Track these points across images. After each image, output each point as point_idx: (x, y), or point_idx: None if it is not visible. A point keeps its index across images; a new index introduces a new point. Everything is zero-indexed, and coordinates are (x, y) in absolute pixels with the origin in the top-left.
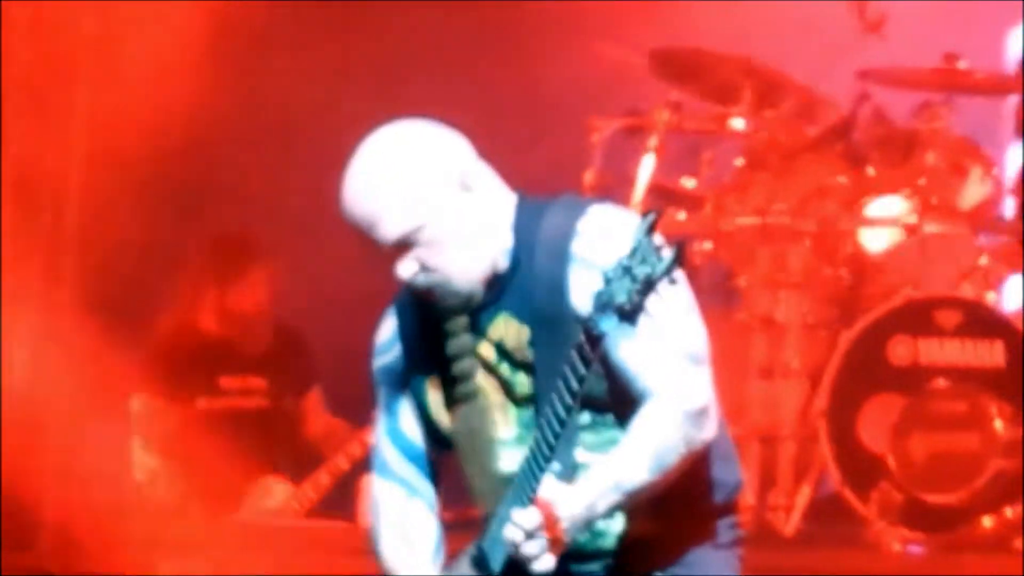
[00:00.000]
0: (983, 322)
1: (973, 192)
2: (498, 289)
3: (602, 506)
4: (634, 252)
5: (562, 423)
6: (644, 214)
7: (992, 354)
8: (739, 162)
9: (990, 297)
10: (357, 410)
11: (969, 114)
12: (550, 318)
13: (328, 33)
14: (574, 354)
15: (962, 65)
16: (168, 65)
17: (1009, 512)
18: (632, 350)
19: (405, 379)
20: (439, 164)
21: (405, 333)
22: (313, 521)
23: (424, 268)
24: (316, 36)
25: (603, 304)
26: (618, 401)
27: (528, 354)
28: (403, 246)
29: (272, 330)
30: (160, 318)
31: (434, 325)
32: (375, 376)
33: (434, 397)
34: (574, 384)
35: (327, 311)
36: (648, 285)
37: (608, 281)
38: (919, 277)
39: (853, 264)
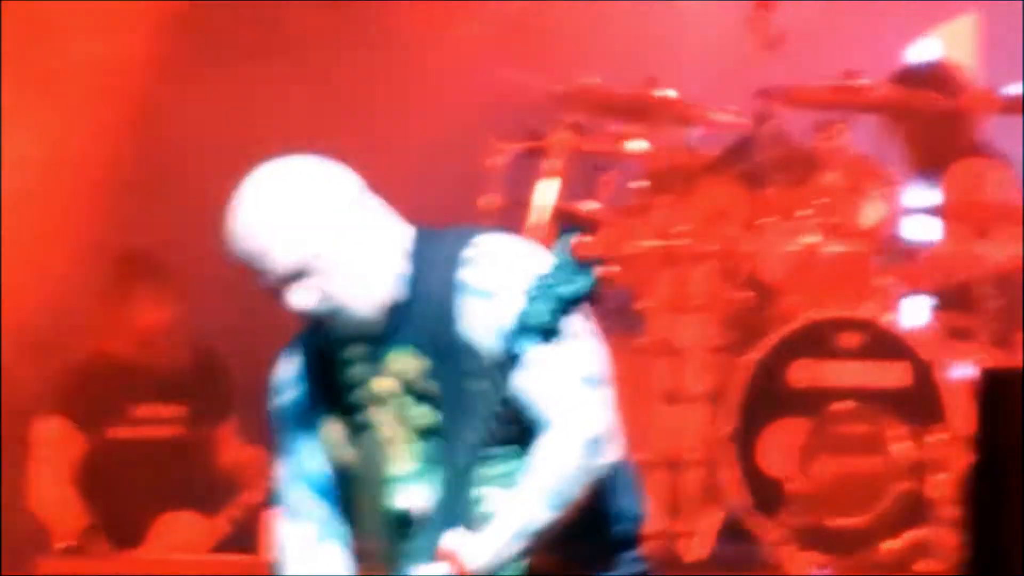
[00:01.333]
0: (884, 343)
1: (873, 211)
2: (396, 321)
3: (509, 551)
4: (555, 271)
5: (479, 452)
6: (563, 232)
7: (893, 375)
8: (640, 184)
9: (890, 318)
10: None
11: (869, 132)
12: (445, 348)
13: (226, 66)
14: (493, 377)
15: (862, 82)
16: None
17: (911, 534)
18: (528, 377)
19: (306, 417)
20: (326, 194)
21: (304, 371)
22: (216, 556)
23: (321, 296)
24: (216, 68)
25: (526, 325)
26: (522, 430)
27: (429, 386)
28: (296, 277)
29: (189, 353)
30: (75, 342)
31: (332, 358)
32: (274, 416)
33: (335, 434)
34: (497, 408)
35: (246, 336)
36: (573, 303)
37: (530, 301)
38: (820, 298)
39: (755, 286)
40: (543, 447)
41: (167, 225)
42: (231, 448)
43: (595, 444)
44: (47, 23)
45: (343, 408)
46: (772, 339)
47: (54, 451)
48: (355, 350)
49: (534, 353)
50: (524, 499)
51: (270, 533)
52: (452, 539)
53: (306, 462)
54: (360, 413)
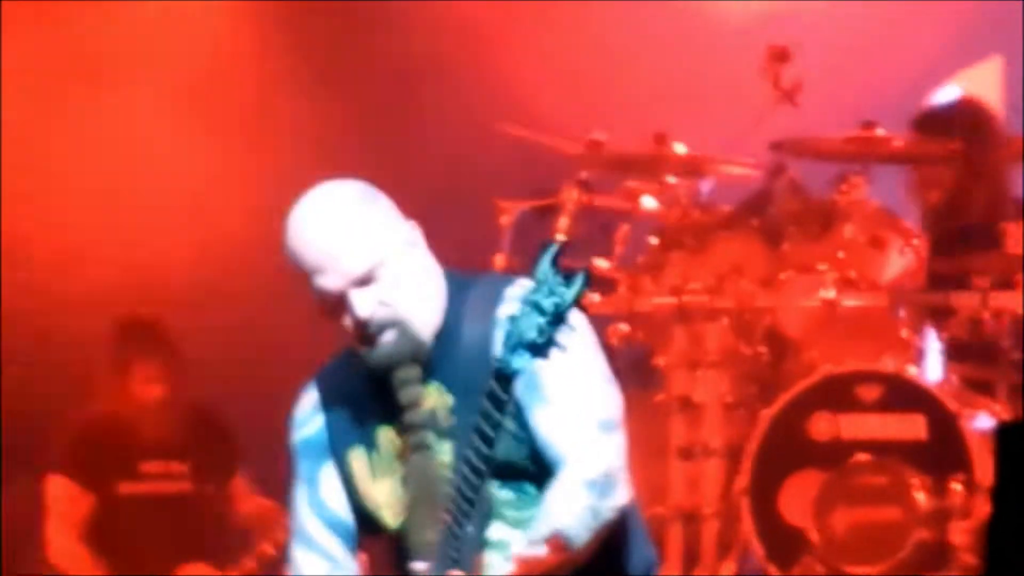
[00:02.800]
0: (903, 395)
1: (893, 264)
2: (428, 358)
3: None
4: (540, 286)
5: (480, 475)
6: (544, 245)
7: (913, 427)
8: (653, 241)
9: (911, 370)
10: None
11: (888, 183)
12: (474, 385)
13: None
14: (486, 400)
15: (879, 133)
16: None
17: None
18: (545, 415)
19: (327, 451)
20: (391, 212)
21: (329, 404)
22: None
23: (383, 304)
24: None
25: (513, 344)
26: (540, 469)
27: (451, 421)
28: (364, 281)
29: (188, 414)
30: (79, 403)
31: (374, 382)
32: (295, 449)
33: (360, 469)
34: (489, 431)
35: (249, 392)
36: (558, 316)
37: (515, 319)
38: (839, 352)
39: (772, 341)
40: (553, 490)
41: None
42: (245, 501)
43: (602, 485)
44: None
45: (374, 444)
46: (790, 393)
47: (64, 508)
48: (412, 370)
49: (549, 392)
50: (536, 543)
51: None
52: None
53: (324, 494)
54: (414, 434)
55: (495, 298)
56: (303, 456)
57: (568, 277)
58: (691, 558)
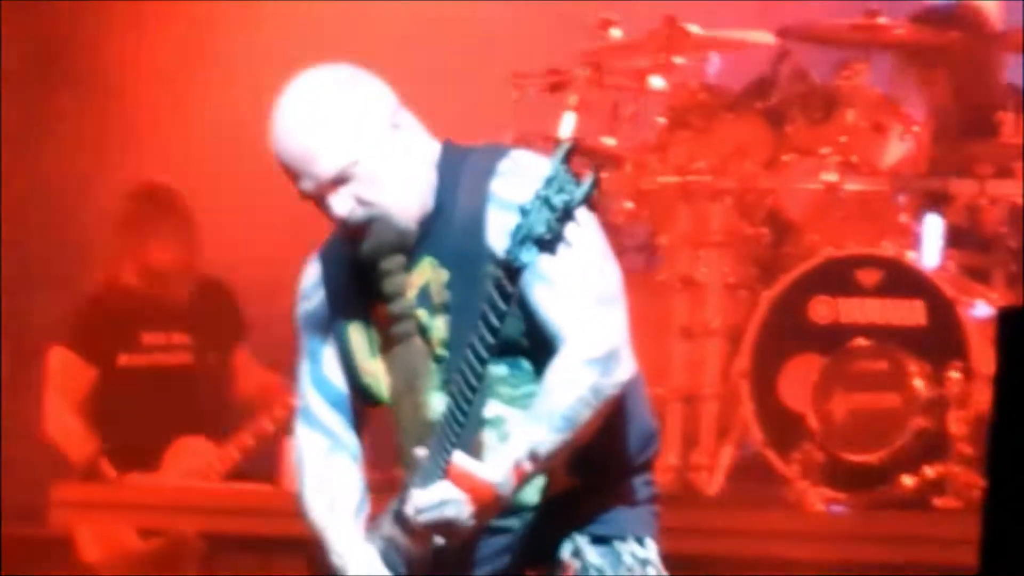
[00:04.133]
0: (902, 280)
1: (894, 150)
2: (422, 232)
3: (522, 476)
4: (550, 181)
5: (483, 362)
6: (558, 144)
7: (912, 313)
8: (660, 121)
9: (910, 256)
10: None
11: (890, 71)
12: (468, 259)
13: None
14: (493, 290)
15: (882, 21)
16: None
17: (929, 471)
18: (543, 293)
19: (329, 325)
20: (371, 101)
21: (330, 278)
22: (233, 483)
23: (361, 203)
24: None
25: (522, 237)
26: (535, 345)
27: (446, 297)
28: (338, 182)
29: (196, 283)
30: (84, 272)
31: (363, 268)
32: (298, 322)
33: (358, 344)
34: (495, 321)
35: (258, 266)
36: (567, 213)
37: (525, 213)
38: (839, 236)
39: (774, 223)
40: (554, 369)
41: (178, 156)
42: (249, 375)
43: (604, 363)
44: None
45: (375, 318)
46: (791, 275)
47: (64, 380)
48: (394, 260)
49: (547, 269)
50: (534, 424)
51: (288, 463)
52: (464, 461)
53: (326, 370)
54: (402, 320)
55: (488, 172)
56: (306, 329)
57: (579, 176)
58: (690, 440)
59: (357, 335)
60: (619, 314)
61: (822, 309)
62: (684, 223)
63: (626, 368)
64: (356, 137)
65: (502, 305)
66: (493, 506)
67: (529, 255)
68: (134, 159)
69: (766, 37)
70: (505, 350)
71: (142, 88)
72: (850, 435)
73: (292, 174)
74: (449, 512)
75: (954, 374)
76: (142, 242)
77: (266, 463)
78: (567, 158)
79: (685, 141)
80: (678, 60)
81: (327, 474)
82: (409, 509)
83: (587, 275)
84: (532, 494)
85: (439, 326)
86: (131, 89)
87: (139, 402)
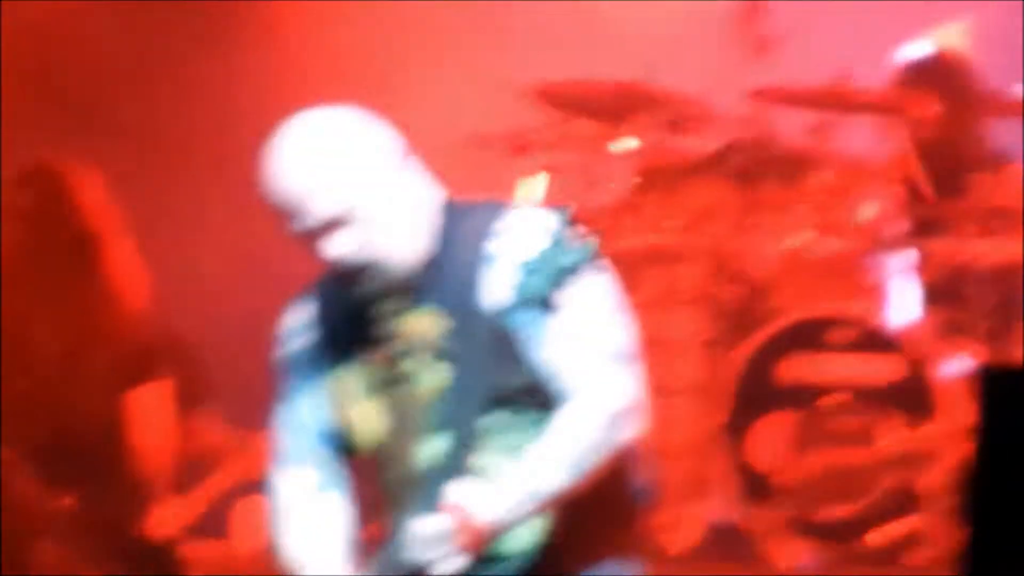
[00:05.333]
0: (874, 338)
1: (866, 210)
2: (423, 280)
3: (518, 511)
4: (553, 243)
5: (477, 419)
6: (560, 207)
7: (884, 370)
8: (629, 182)
9: (882, 314)
10: (250, 422)
11: (862, 132)
12: (467, 313)
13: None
14: (493, 349)
15: (854, 84)
16: None
17: (900, 526)
18: (554, 349)
19: (314, 367)
20: (373, 145)
21: (323, 319)
22: (188, 540)
23: (357, 246)
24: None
25: (524, 297)
26: (539, 398)
27: (445, 347)
28: (335, 224)
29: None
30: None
31: (356, 311)
32: (284, 361)
33: (347, 387)
34: (492, 379)
35: (218, 323)
36: (569, 274)
37: (528, 273)
38: (810, 296)
39: (745, 283)
40: (566, 414)
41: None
42: (208, 431)
43: (618, 419)
44: None
45: (366, 361)
46: (762, 334)
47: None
48: (388, 304)
49: (560, 326)
50: (540, 461)
51: (242, 521)
52: (458, 491)
53: (311, 410)
54: (394, 364)
55: (487, 229)
56: (293, 368)
57: (581, 238)
58: (660, 497)
59: (347, 377)
60: (634, 371)
61: (793, 368)
62: (655, 283)
63: (637, 424)
64: (360, 178)
65: (501, 362)
66: (485, 539)
67: (528, 314)
68: None
69: (736, 100)
70: (507, 401)
71: None
72: (821, 491)
73: (287, 212)
74: (442, 545)
75: (926, 430)
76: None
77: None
78: (568, 220)
79: (654, 202)
80: (647, 121)
81: (314, 512)
82: (404, 541)
83: (601, 332)
84: (518, 543)
85: (442, 372)
86: None
87: None
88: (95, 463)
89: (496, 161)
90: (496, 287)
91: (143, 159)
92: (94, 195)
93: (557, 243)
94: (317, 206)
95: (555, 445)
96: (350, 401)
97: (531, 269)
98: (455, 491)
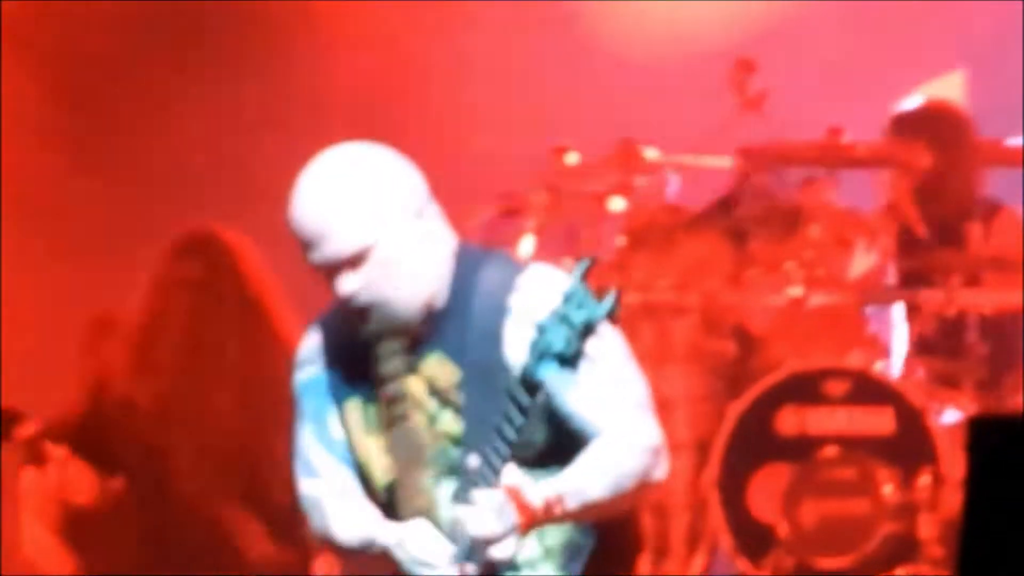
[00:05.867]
0: (870, 390)
1: (859, 263)
2: (433, 327)
3: (562, 510)
4: (569, 298)
5: (496, 473)
6: (578, 261)
7: (881, 421)
8: (620, 241)
9: (878, 365)
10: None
11: (855, 184)
12: (483, 366)
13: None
14: (510, 404)
15: (845, 139)
16: None
17: (899, 573)
18: (580, 397)
19: (331, 392)
20: (398, 185)
21: (329, 349)
22: None
23: (369, 286)
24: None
25: (541, 352)
26: (560, 451)
27: (456, 396)
28: (352, 262)
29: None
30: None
31: (363, 347)
32: (299, 388)
33: (355, 419)
34: (510, 434)
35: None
36: (587, 329)
37: (544, 329)
38: (805, 349)
39: (738, 338)
40: (605, 440)
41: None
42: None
43: (654, 454)
44: None
45: (371, 397)
46: (758, 388)
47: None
48: (393, 345)
49: (581, 378)
50: (585, 469)
51: None
52: (513, 475)
53: (331, 430)
54: (395, 403)
55: (507, 285)
56: (309, 394)
57: (597, 294)
58: (661, 551)
59: (354, 411)
60: (655, 420)
61: (790, 420)
62: (648, 340)
63: (666, 468)
64: (378, 220)
65: (519, 419)
66: (536, 521)
67: (548, 370)
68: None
69: (725, 161)
70: (527, 457)
71: None
72: (820, 542)
73: (306, 243)
74: (500, 519)
75: (923, 479)
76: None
77: None
78: (584, 276)
79: (646, 260)
80: (638, 181)
81: (349, 504)
82: (463, 516)
83: (622, 383)
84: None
85: (447, 419)
86: None
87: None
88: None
89: (489, 223)
90: (518, 341)
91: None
92: (254, 260)
93: (572, 297)
94: (336, 242)
95: (599, 460)
96: (358, 435)
97: (544, 325)
98: (510, 475)
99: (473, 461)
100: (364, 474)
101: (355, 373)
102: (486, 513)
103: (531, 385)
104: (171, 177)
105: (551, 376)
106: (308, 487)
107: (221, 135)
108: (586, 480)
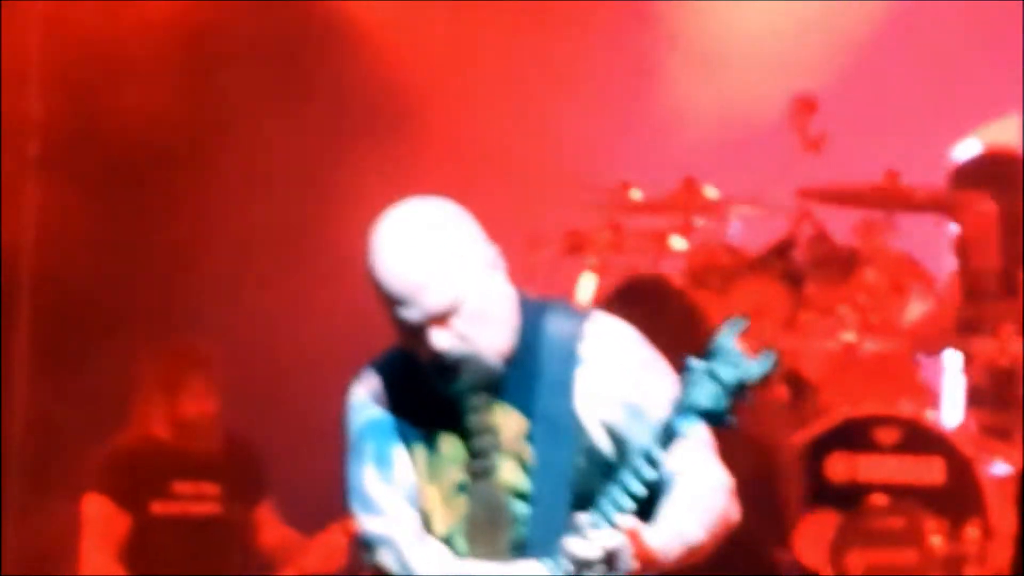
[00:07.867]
0: (921, 439)
1: (914, 309)
2: (499, 377)
3: (672, 553)
4: (715, 355)
5: (612, 525)
6: (731, 320)
7: (930, 471)
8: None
9: (929, 414)
10: (307, 522)
11: (912, 230)
12: (552, 416)
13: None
14: (639, 457)
15: (903, 182)
16: None
17: None
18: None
19: (394, 434)
20: (476, 240)
21: (392, 396)
22: None
23: (461, 339)
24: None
25: (685, 408)
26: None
27: (521, 447)
28: (443, 317)
29: (223, 437)
30: (116, 428)
31: (426, 396)
32: (360, 428)
33: (420, 467)
34: (637, 488)
35: (279, 424)
36: (740, 389)
37: (690, 385)
38: (857, 395)
39: (791, 382)
40: (688, 481)
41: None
42: (270, 529)
43: (731, 494)
44: None
45: (434, 447)
46: (809, 433)
47: (100, 528)
48: (481, 397)
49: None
50: (685, 514)
51: None
52: (628, 519)
53: (395, 472)
54: (483, 456)
55: (575, 334)
56: (371, 436)
57: (748, 353)
58: None
59: (421, 458)
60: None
61: (839, 467)
62: None
63: (739, 509)
64: (465, 274)
65: (649, 473)
66: (652, 564)
67: (689, 425)
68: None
69: (785, 201)
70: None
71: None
72: None
73: (397, 302)
74: (618, 561)
75: (971, 531)
76: (173, 398)
77: None
78: (735, 335)
79: (704, 302)
80: (698, 222)
81: (426, 547)
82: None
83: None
84: None
85: (508, 470)
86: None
87: (170, 551)
88: None
89: (550, 260)
90: (585, 392)
91: None
92: None
93: (720, 354)
94: (430, 299)
95: (689, 502)
96: (421, 482)
97: (693, 381)
98: (624, 520)
99: (583, 518)
100: (423, 522)
101: (418, 421)
102: (608, 552)
103: (667, 437)
104: None
105: (681, 430)
106: (375, 525)
107: None
108: (682, 523)
